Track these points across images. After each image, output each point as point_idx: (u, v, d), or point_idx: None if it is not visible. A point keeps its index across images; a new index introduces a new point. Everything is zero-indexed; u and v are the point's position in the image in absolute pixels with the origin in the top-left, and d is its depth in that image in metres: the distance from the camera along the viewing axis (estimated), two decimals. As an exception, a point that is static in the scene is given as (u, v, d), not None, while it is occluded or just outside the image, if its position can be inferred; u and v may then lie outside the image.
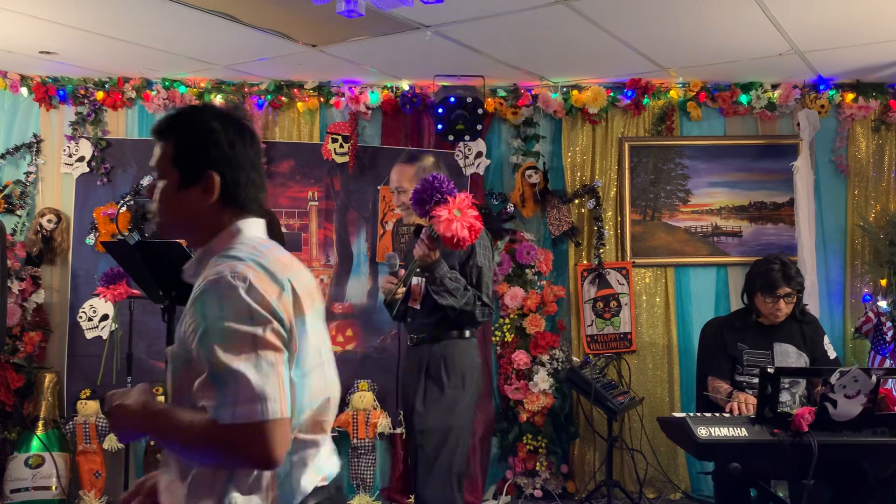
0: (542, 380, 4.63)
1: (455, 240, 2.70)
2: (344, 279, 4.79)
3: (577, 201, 4.87)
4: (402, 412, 3.70)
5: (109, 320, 4.60)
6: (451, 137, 4.61)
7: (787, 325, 3.50)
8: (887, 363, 4.16)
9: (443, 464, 2.93)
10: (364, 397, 4.61)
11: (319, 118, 4.84)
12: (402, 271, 2.99)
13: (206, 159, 1.54)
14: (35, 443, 4.42)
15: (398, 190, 3.13)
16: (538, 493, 4.68)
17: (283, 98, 4.77)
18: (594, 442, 4.76)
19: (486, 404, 4.78)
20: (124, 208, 4.60)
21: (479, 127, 4.57)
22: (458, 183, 4.77)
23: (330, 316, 4.65)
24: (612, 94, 4.77)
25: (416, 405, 3.00)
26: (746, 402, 3.13)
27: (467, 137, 4.65)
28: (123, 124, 4.81)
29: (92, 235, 4.65)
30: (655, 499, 4.62)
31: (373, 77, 4.68)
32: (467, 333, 3.06)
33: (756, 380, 3.22)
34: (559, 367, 4.70)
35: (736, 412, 3.09)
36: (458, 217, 2.72)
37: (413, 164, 3.12)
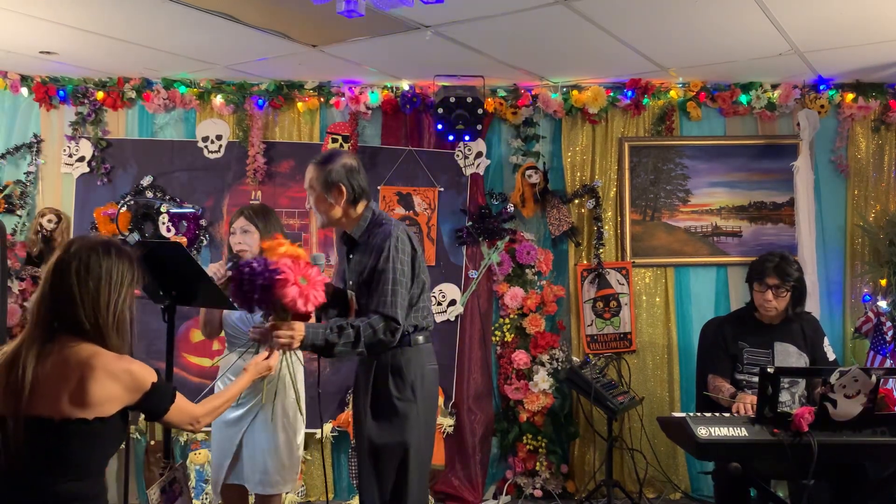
0: (542, 380, 4.63)
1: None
2: (344, 279, 4.78)
3: (577, 201, 4.87)
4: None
5: (109, 320, 4.59)
6: (451, 137, 4.61)
7: (787, 324, 3.50)
8: (887, 363, 4.16)
9: (395, 486, 2.65)
10: (364, 397, 4.60)
11: (319, 118, 4.84)
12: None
13: None
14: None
15: (309, 188, 2.77)
16: (538, 492, 4.68)
17: (283, 98, 4.77)
18: (594, 442, 4.76)
19: (486, 404, 4.78)
20: (124, 208, 4.61)
21: (479, 127, 4.57)
22: (458, 183, 4.83)
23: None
24: (612, 94, 4.77)
25: (366, 419, 2.70)
26: (752, 405, 3.12)
27: (467, 137, 4.65)
28: (123, 124, 4.81)
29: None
30: (655, 499, 4.62)
31: (373, 77, 4.67)
32: (420, 339, 2.73)
33: (756, 378, 3.22)
34: (559, 367, 4.71)
35: (742, 413, 3.08)
36: (306, 286, 2.35)
37: (325, 166, 2.71)
